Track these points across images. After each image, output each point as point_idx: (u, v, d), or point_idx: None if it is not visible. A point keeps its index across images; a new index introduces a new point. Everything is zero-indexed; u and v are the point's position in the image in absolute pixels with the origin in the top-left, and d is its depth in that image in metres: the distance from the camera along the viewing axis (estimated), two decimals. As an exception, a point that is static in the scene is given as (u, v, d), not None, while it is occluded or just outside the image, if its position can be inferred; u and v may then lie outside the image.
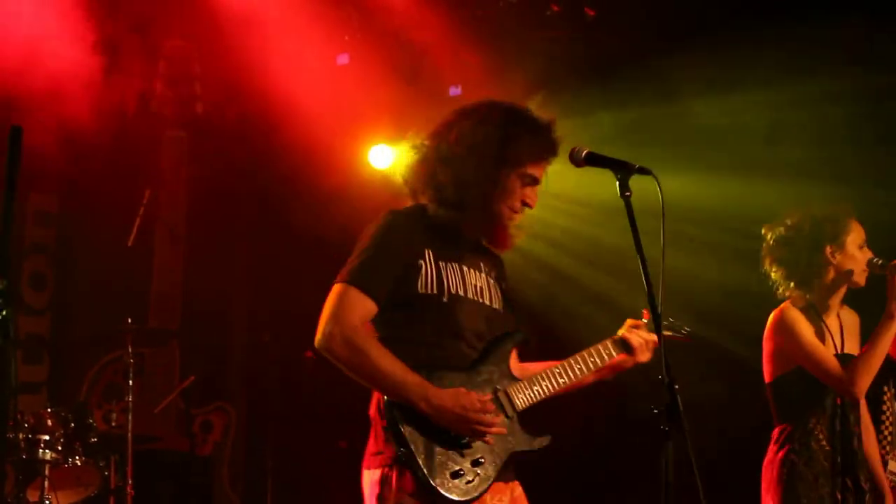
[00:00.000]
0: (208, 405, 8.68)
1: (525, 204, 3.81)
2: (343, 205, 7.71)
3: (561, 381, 3.84)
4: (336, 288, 3.66)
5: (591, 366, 3.91)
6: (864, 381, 4.62)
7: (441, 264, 3.73)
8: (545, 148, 3.82)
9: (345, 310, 3.61)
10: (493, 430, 3.61)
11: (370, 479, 3.65)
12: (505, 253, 3.98)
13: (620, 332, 4.02)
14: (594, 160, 3.55)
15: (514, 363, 3.89)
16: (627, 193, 3.44)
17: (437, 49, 7.46)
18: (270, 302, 8.48)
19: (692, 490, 3.12)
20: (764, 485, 4.75)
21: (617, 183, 3.46)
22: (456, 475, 3.55)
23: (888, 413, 6.37)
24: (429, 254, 3.72)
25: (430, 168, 3.79)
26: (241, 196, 8.48)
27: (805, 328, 4.69)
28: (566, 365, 3.88)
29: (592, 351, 3.94)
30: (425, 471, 3.51)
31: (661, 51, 7.12)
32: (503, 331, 3.86)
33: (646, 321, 4.05)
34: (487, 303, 3.83)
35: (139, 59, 7.84)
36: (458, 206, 3.75)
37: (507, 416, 3.71)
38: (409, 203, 3.87)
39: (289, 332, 8.27)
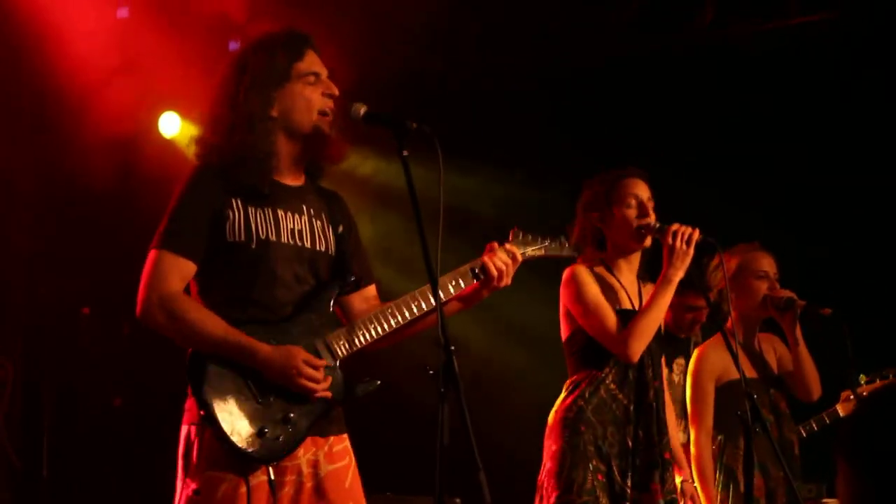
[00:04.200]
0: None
1: (329, 95, 3.71)
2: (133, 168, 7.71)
3: (392, 321, 3.69)
4: (149, 255, 3.56)
5: (432, 301, 3.60)
6: (639, 343, 4.57)
7: (251, 210, 3.60)
8: (294, 44, 3.73)
9: (159, 276, 3.51)
10: (320, 388, 3.52)
11: (181, 434, 3.58)
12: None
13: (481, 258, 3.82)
14: (372, 118, 3.52)
15: (357, 304, 3.83)
16: (405, 153, 3.40)
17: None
18: (49, 257, 8.34)
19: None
20: (547, 431, 4.70)
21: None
22: (261, 433, 3.43)
23: (678, 385, 6.62)
24: (236, 202, 3.58)
25: (221, 134, 3.65)
26: (18, 155, 8.24)
27: (589, 285, 4.69)
28: (402, 303, 3.71)
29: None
30: (225, 429, 3.40)
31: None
32: (329, 272, 3.75)
33: (509, 240, 3.90)
34: (308, 245, 3.69)
35: None
36: (267, 152, 3.63)
37: (326, 366, 3.57)
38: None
39: (69, 288, 8.19)
